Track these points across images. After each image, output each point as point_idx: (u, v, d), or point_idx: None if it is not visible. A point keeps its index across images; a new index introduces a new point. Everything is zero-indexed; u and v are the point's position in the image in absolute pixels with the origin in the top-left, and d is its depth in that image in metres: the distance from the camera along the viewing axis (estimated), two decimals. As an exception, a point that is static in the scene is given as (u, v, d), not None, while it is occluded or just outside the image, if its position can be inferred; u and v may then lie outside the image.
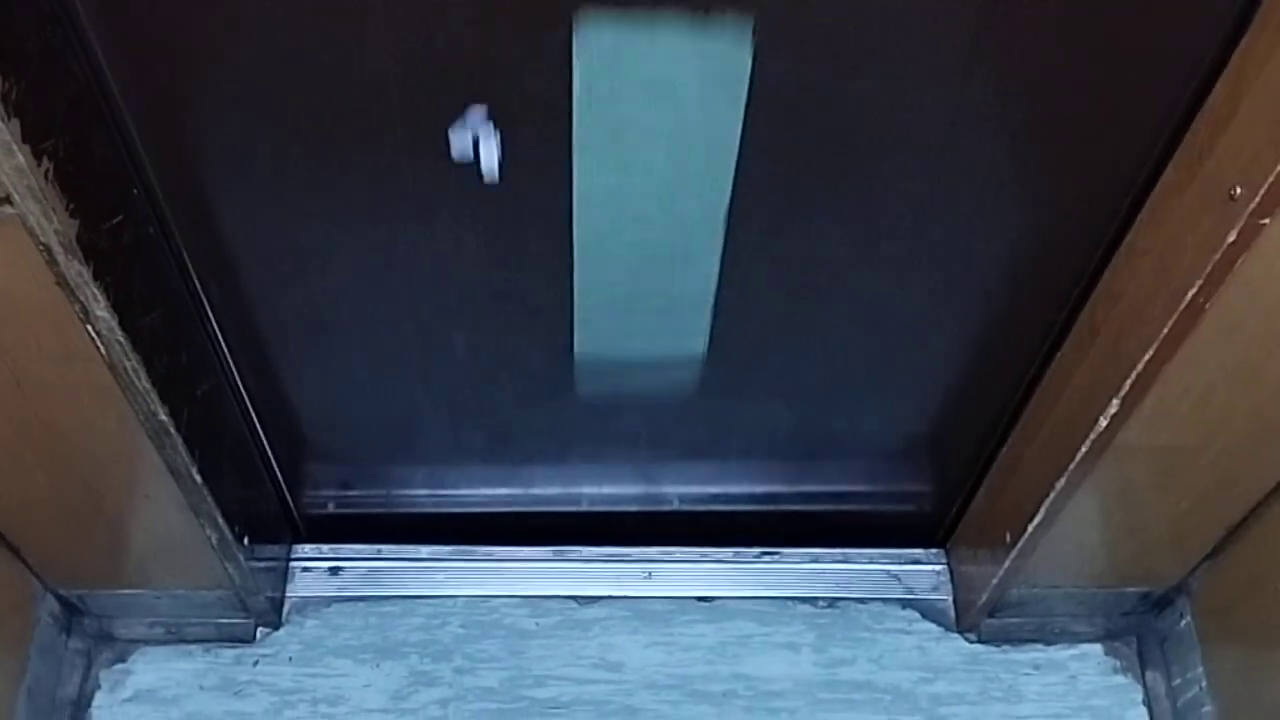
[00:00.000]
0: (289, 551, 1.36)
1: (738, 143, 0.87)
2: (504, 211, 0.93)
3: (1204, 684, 1.25)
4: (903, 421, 1.22)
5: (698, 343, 1.09)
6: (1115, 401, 0.95)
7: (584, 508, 1.35)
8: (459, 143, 0.85)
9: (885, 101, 0.83)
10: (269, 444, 1.21)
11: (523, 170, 0.88)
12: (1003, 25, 0.77)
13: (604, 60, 0.79)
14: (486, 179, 0.88)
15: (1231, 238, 0.78)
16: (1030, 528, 1.12)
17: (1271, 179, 0.73)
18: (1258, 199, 0.75)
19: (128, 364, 0.87)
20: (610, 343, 1.09)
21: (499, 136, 0.84)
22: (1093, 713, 1.32)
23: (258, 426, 1.18)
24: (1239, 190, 0.76)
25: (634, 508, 1.35)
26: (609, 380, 1.15)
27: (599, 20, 0.76)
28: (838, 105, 0.83)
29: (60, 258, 0.76)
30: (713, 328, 1.07)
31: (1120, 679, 1.34)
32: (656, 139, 0.87)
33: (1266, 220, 0.76)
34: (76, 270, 0.77)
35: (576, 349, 1.09)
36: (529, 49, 0.78)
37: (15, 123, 0.67)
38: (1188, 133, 0.82)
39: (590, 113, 0.83)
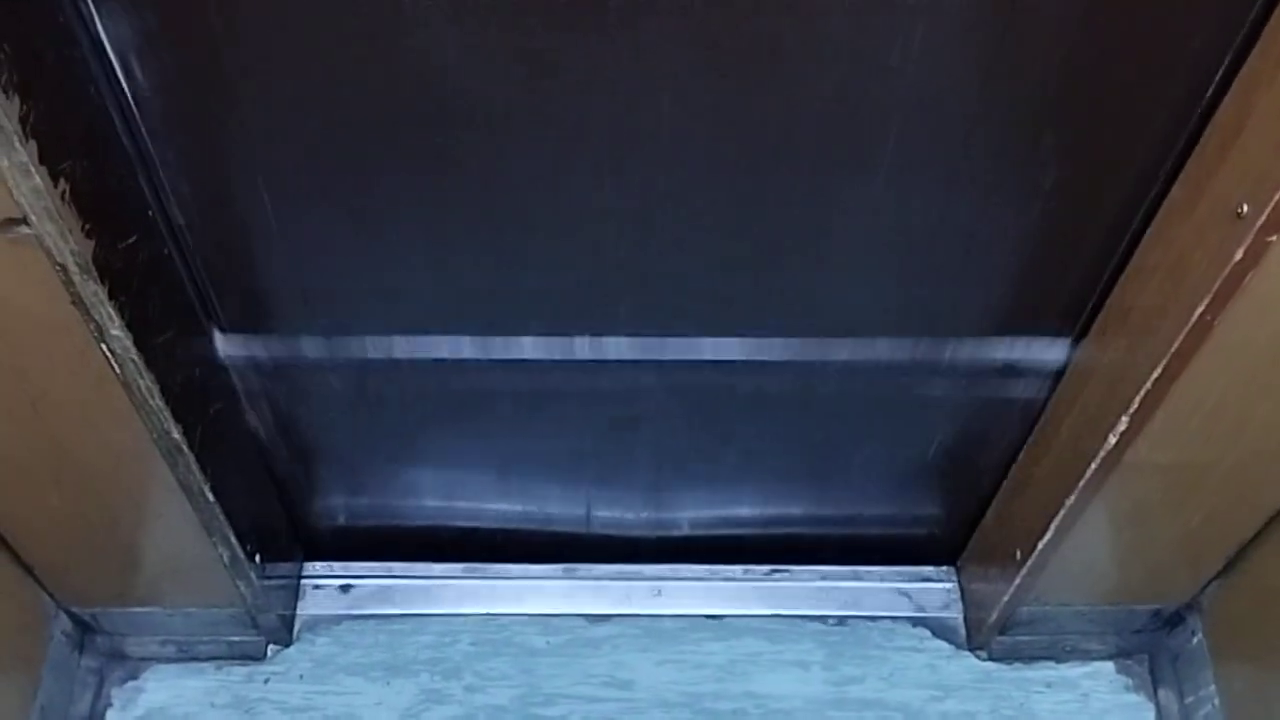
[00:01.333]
0: (300, 569, 1.37)
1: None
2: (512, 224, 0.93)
3: (1216, 702, 1.25)
4: (913, 439, 1.22)
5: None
6: (1125, 419, 0.95)
7: (594, 530, 1.35)
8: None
9: (890, 123, 0.83)
10: (280, 462, 1.21)
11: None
12: (1009, 45, 0.77)
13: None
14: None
15: (1239, 255, 0.78)
16: (1040, 545, 1.12)
17: (1278, 197, 0.73)
18: (1265, 216, 0.75)
19: (142, 383, 0.87)
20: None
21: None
22: (1105, 731, 1.32)
23: (269, 445, 1.18)
24: (1246, 207, 0.76)
25: (644, 532, 1.35)
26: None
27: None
28: (842, 131, 0.84)
29: (76, 277, 0.76)
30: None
31: (1133, 697, 1.34)
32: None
33: (1274, 237, 0.76)
34: (92, 290, 0.78)
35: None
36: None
37: (33, 144, 0.67)
38: (1195, 150, 0.83)
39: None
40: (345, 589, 1.37)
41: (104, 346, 0.83)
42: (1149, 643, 1.34)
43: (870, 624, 1.37)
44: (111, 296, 0.79)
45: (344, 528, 1.35)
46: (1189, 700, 1.30)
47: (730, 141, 0.85)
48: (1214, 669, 1.26)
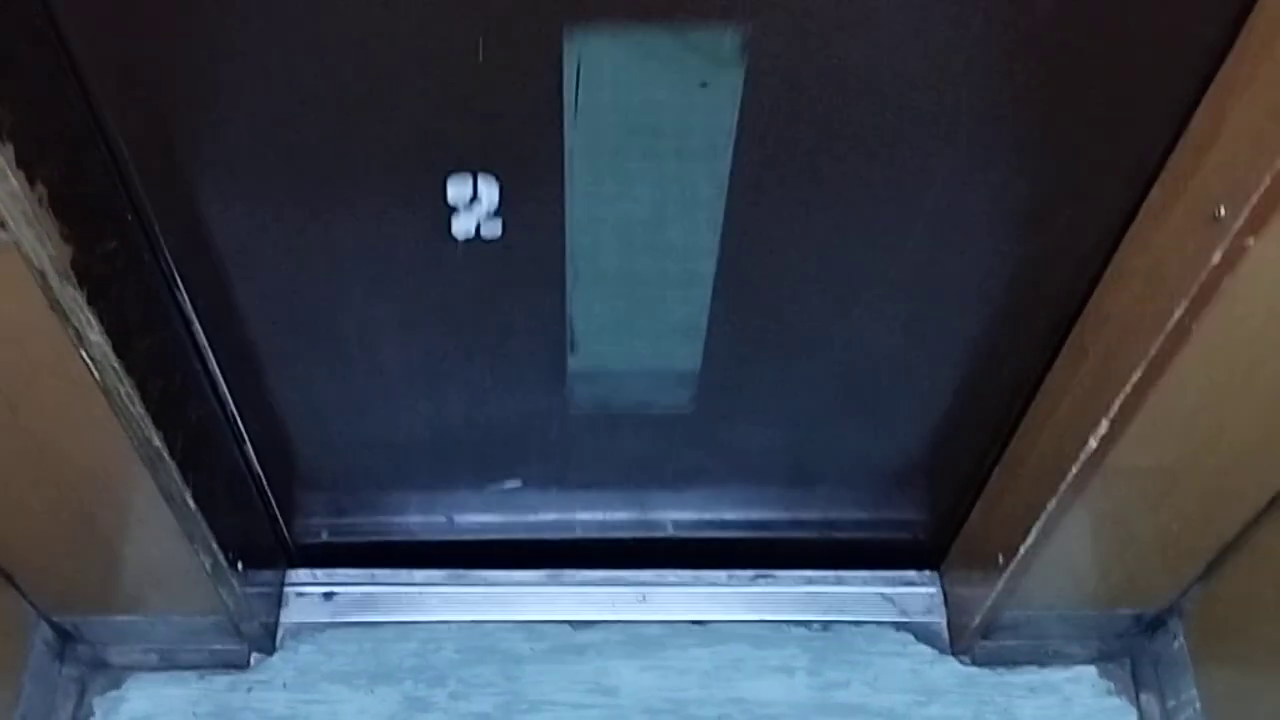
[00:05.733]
0: (283, 577, 1.36)
1: (729, 168, 0.87)
2: (499, 253, 0.94)
3: (1198, 705, 1.25)
4: (896, 444, 1.22)
5: (692, 360, 1.09)
6: (1105, 422, 0.95)
7: (578, 534, 1.35)
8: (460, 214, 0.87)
9: (876, 127, 0.84)
10: (263, 469, 1.21)
11: (517, 213, 0.90)
12: (991, 52, 0.78)
13: (594, 85, 0.80)
14: (486, 237, 0.90)
15: (1216, 258, 0.78)
16: (1022, 550, 1.13)
17: (1255, 199, 0.74)
18: (1242, 219, 0.75)
19: (121, 389, 0.87)
20: (604, 360, 1.10)
21: (497, 192, 0.86)
22: (1087, 735, 1.32)
23: (252, 452, 1.18)
24: (1223, 211, 0.77)
25: (628, 534, 1.35)
26: (603, 396, 1.15)
27: (589, 41, 0.77)
28: (829, 133, 0.84)
29: (54, 283, 0.76)
30: (706, 350, 1.07)
31: (1114, 701, 1.34)
32: (649, 164, 0.88)
33: (1251, 240, 0.77)
34: (70, 295, 0.78)
35: (570, 366, 1.09)
36: (518, 82, 0.79)
37: (9, 148, 0.67)
38: (1172, 154, 0.83)
39: (582, 141, 0.84)
40: (329, 596, 1.36)
41: (83, 352, 0.82)
42: (1131, 647, 1.35)
43: (854, 629, 1.37)
44: (90, 302, 0.79)
45: (327, 535, 1.34)
46: (1170, 704, 1.30)
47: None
48: (1195, 672, 1.26)
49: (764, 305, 1.02)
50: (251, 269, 0.95)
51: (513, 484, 1.26)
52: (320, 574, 1.37)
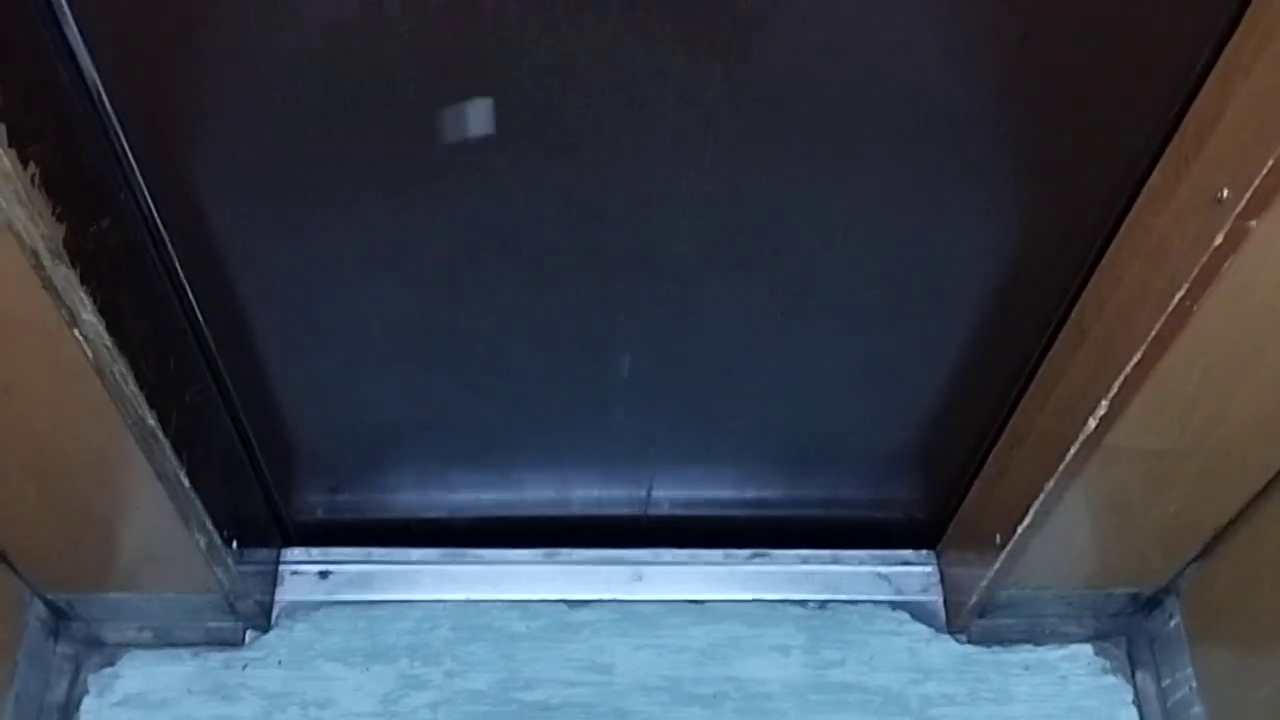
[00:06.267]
0: (278, 555, 1.36)
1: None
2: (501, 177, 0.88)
3: (1193, 684, 1.26)
4: (893, 424, 1.22)
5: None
6: (1104, 403, 0.95)
7: (574, 512, 1.35)
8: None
9: (876, 103, 0.83)
10: (258, 448, 1.20)
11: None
12: (992, 33, 0.77)
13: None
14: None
15: (1218, 240, 0.78)
16: (1020, 529, 1.13)
17: (1258, 181, 0.74)
18: (1244, 201, 0.75)
19: (115, 369, 0.86)
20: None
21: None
22: (1083, 713, 1.32)
23: (247, 431, 1.17)
24: (1226, 193, 0.76)
25: (624, 511, 1.35)
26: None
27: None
28: (832, 109, 0.83)
29: (47, 262, 0.75)
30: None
31: (1110, 679, 1.34)
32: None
33: (1253, 222, 0.76)
34: (63, 275, 0.77)
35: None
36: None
37: (1, 126, 0.66)
38: (1175, 136, 0.83)
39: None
40: (324, 575, 1.36)
41: (76, 332, 0.82)
42: (1127, 626, 1.35)
43: (850, 608, 1.37)
44: (83, 281, 0.78)
45: (323, 513, 1.34)
46: (1166, 683, 1.30)
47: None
48: (1191, 652, 1.27)
49: (761, 287, 1.01)
50: (247, 246, 0.94)
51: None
52: (316, 552, 1.37)
